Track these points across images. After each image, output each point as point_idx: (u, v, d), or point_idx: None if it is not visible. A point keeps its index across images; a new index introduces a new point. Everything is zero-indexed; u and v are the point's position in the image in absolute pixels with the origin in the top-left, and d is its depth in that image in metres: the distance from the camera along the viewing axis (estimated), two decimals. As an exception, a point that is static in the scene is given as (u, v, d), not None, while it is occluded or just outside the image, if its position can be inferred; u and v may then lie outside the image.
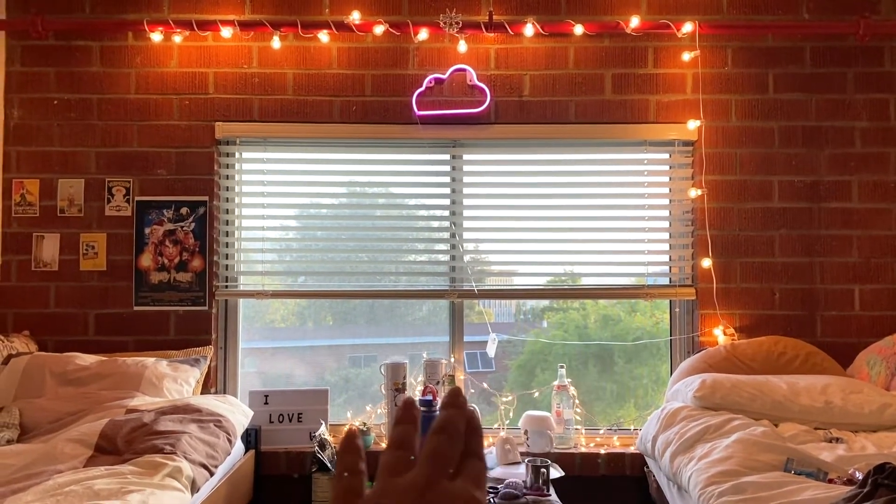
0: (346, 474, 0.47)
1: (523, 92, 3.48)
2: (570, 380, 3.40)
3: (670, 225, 3.56)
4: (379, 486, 0.45)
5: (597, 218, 3.56)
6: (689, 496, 2.31)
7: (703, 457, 2.37)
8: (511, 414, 3.44)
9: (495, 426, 3.44)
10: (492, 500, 2.58)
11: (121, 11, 3.50)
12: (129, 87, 3.49)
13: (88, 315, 3.44)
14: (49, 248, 3.44)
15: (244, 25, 3.40)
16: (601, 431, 3.50)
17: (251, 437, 3.22)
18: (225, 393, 3.47)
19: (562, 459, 3.15)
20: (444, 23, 3.32)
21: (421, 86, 3.44)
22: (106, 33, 3.49)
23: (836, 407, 2.72)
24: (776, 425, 2.68)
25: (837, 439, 2.58)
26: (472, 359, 3.67)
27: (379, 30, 3.37)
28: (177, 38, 3.44)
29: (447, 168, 3.59)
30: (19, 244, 3.45)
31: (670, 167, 3.57)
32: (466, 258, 3.58)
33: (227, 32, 3.39)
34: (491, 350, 3.46)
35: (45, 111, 3.49)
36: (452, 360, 3.52)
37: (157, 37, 3.41)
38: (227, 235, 3.56)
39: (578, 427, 3.41)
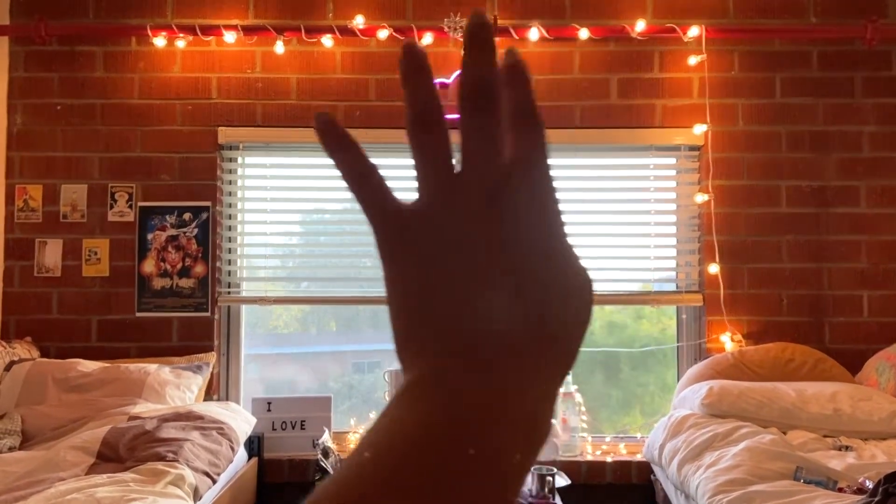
0: (355, 171, 0.36)
1: (528, 96, 3.46)
2: (576, 387, 3.38)
3: (677, 230, 3.53)
4: (422, 197, 0.35)
5: (602, 223, 3.54)
6: (697, 505, 2.28)
7: (711, 465, 2.35)
8: (516, 421, 3.40)
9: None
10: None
11: (124, 16, 3.49)
12: (132, 92, 3.48)
13: (91, 321, 3.42)
14: (52, 254, 3.42)
15: (247, 30, 3.39)
16: (607, 439, 3.47)
17: (254, 445, 3.20)
18: (227, 400, 3.45)
19: (567, 467, 3.11)
20: (449, 27, 3.31)
21: (425, 90, 3.42)
22: (109, 38, 3.48)
23: (846, 414, 2.70)
24: (784, 433, 2.66)
25: (847, 447, 2.55)
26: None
27: (383, 34, 3.36)
28: (180, 43, 3.42)
29: (451, 173, 3.57)
30: (22, 250, 3.44)
31: (676, 172, 3.55)
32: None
33: (230, 37, 3.37)
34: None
35: (49, 117, 3.48)
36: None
37: (160, 42, 3.40)
38: (230, 241, 3.54)
39: (584, 435, 3.38)
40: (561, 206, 0.35)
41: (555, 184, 0.35)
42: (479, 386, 0.32)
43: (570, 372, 0.35)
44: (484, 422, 0.31)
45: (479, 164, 0.34)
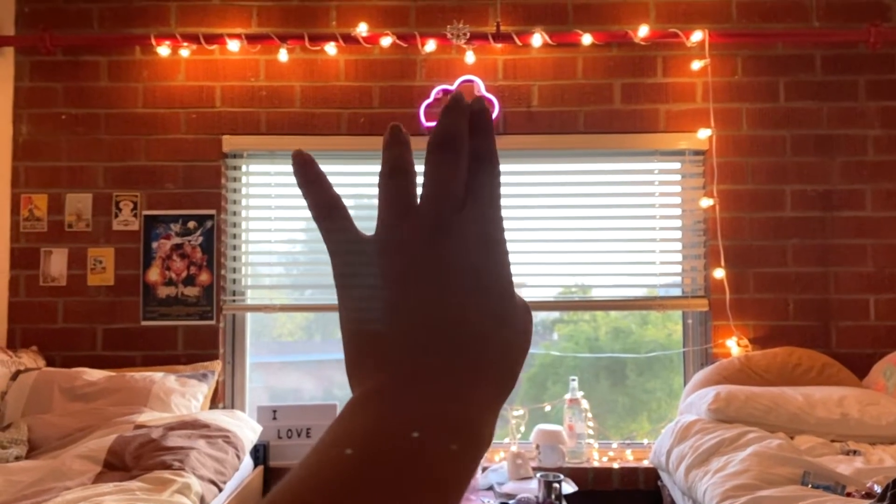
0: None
1: (532, 102, 3.47)
2: (582, 393, 3.36)
3: (682, 235, 3.52)
4: (380, 229, 0.39)
5: (607, 229, 3.53)
6: (704, 511, 2.27)
7: (718, 470, 2.34)
8: (522, 428, 3.40)
9: (506, 440, 3.40)
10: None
11: (128, 26, 3.50)
12: (136, 101, 3.49)
13: (96, 330, 3.42)
14: (57, 264, 3.43)
15: (251, 39, 3.40)
16: (614, 445, 3.46)
17: (259, 453, 3.19)
18: (233, 408, 3.44)
19: (574, 474, 3.10)
20: (452, 34, 3.31)
21: (429, 97, 3.43)
22: (113, 48, 3.50)
23: (853, 419, 2.68)
24: (792, 438, 2.65)
25: (855, 452, 2.54)
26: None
27: (386, 41, 3.36)
28: (184, 52, 3.43)
29: (455, 180, 3.56)
30: (27, 259, 3.44)
31: (681, 177, 3.54)
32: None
33: (234, 46, 3.38)
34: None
35: (53, 126, 3.49)
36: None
37: (164, 51, 3.41)
38: (235, 249, 3.55)
39: (591, 441, 3.37)
40: (505, 239, 0.40)
41: (503, 220, 0.40)
42: (418, 398, 0.35)
43: (513, 387, 0.39)
44: (424, 428, 0.34)
45: (436, 197, 0.38)
